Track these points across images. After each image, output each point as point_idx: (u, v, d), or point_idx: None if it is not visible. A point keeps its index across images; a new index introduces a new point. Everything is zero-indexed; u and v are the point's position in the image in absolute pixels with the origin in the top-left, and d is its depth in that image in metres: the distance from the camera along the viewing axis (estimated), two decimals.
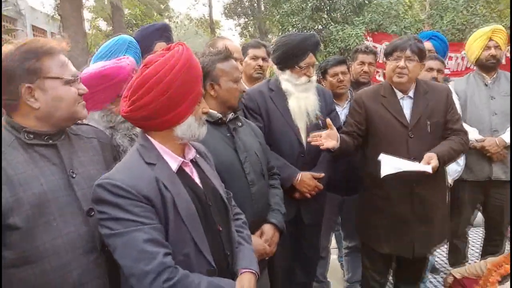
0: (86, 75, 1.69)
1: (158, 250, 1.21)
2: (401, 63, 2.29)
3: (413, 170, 2.13)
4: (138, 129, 1.70)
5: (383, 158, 2.18)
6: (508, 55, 4.88)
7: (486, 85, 3.10)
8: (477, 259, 3.50)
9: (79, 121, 1.52)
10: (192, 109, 1.36)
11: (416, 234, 2.38)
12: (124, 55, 2.31)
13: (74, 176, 1.34)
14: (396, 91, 2.41)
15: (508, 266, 2.51)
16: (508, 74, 3.17)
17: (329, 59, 3.12)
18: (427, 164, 2.14)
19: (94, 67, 1.77)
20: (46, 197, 1.25)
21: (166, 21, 24.12)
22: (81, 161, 1.41)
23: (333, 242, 3.45)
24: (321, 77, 3.14)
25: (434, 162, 2.15)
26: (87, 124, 1.59)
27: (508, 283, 2.44)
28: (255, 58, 2.94)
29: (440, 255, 3.87)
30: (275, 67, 2.50)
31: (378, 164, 2.18)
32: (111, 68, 1.69)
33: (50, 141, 1.34)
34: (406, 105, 2.38)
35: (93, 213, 1.34)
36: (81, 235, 1.31)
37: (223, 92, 1.88)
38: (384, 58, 2.46)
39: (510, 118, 2.94)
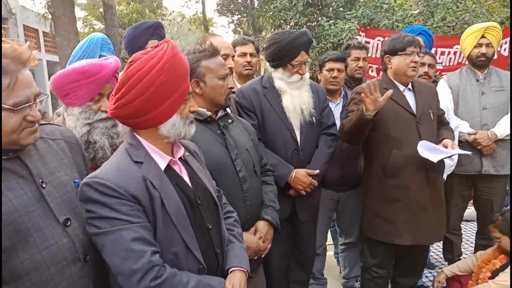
0: (68, 69, 1.66)
1: (146, 249, 1.21)
2: (417, 57, 2.44)
3: (453, 154, 2.35)
4: (119, 128, 1.73)
5: (422, 144, 2.32)
6: (499, 50, 4.89)
7: (478, 80, 3.13)
8: (472, 253, 3.53)
9: (43, 122, 1.40)
10: (176, 107, 1.34)
11: (432, 220, 2.47)
12: (100, 54, 2.30)
13: (44, 186, 1.25)
14: (397, 83, 2.50)
15: (497, 261, 2.58)
16: (499, 70, 3.22)
17: (329, 53, 3.12)
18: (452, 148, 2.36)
19: (78, 63, 1.75)
20: (18, 213, 1.16)
21: (159, 19, 24.02)
22: (50, 167, 1.31)
23: (329, 239, 3.46)
24: (318, 69, 3.14)
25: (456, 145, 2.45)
26: (50, 124, 1.51)
27: (499, 276, 2.49)
28: (242, 55, 2.94)
29: (436, 249, 3.89)
30: (268, 64, 2.50)
31: (391, 154, 2.37)
32: (92, 65, 1.66)
33: (11, 154, 1.22)
34: (408, 96, 2.51)
35: (69, 222, 1.28)
36: (62, 247, 1.23)
37: (208, 89, 1.86)
38: (388, 54, 2.50)
39: (510, 111, 2.98)
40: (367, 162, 2.64)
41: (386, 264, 2.66)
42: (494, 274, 2.55)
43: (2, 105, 1.12)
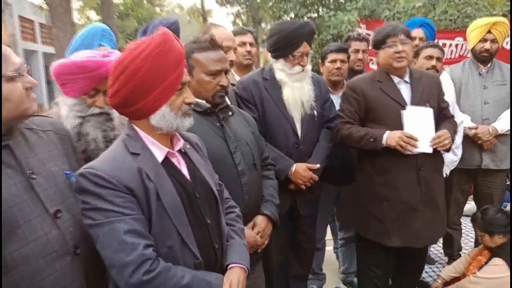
0: (68, 61, 1.65)
1: (139, 242, 1.19)
2: (399, 47, 2.30)
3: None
4: (115, 122, 1.72)
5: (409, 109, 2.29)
6: (505, 45, 4.85)
7: (480, 74, 3.11)
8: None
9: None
10: (165, 98, 1.29)
11: (424, 221, 2.34)
12: (100, 44, 2.27)
13: (34, 177, 1.24)
14: (392, 76, 2.40)
15: (482, 257, 2.66)
16: (502, 64, 3.19)
17: (331, 45, 3.10)
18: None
19: (81, 55, 1.73)
20: (7, 204, 1.15)
21: (157, 9, 23.85)
22: (40, 158, 1.30)
23: (328, 233, 3.44)
24: (320, 62, 3.11)
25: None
26: (40, 115, 1.50)
27: (480, 271, 2.56)
28: (242, 44, 2.90)
29: (436, 245, 3.88)
30: (269, 55, 2.46)
31: (381, 149, 2.26)
32: (92, 61, 1.65)
33: (2, 142, 1.21)
34: (404, 89, 2.40)
35: (60, 214, 1.26)
36: (51, 239, 1.22)
37: (194, 83, 1.80)
38: (373, 48, 2.43)
39: (510, 106, 2.96)
40: (359, 157, 2.57)
41: (384, 263, 2.54)
42: (480, 270, 2.59)
43: (4, 74, 1.17)
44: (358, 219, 2.51)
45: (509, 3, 7.12)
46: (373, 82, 2.40)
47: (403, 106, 2.32)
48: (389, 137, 2.23)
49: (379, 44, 2.35)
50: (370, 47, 2.55)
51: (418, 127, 2.25)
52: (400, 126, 2.28)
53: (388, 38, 2.30)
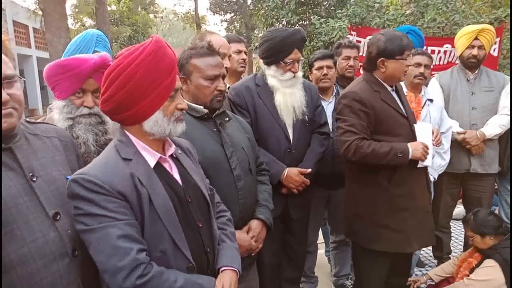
0: (52, 63, 1.68)
1: (132, 246, 1.19)
2: (411, 61, 2.30)
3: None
4: (108, 126, 1.73)
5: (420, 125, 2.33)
6: (492, 52, 4.93)
7: (468, 80, 3.18)
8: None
9: (37, 120, 1.45)
10: (159, 103, 1.30)
11: (431, 219, 2.42)
12: (94, 50, 2.30)
13: (34, 179, 1.25)
14: (385, 84, 2.35)
15: (473, 260, 2.68)
16: (490, 70, 3.27)
17: (316, 53, 3.15)
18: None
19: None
20: (6, 205, 1.15)
21: (151, 16, 23.87)
22: (42, 163, 1.31)
23: (320, 237, 3.47)
24: (308, 70, 3.16)
25: None
26: (45, 123, 1.53)
27: (473, 273, 2.58)
28: (238, 52, 2.94)
29: (425, 248, 3.92)
30: (261, 61, 2.50)
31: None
32: (71, 59, 1.67)
33: (3, 145, 1.21)
34: (395, 97, 2.39)
35: (59, 217, 1.26)
36: (49, 241, 1.22)
37: (192, 88, 1.85)
38: (383, 57, 2.26)
39: (510, 110, 3.02)
40: (365, 171, 2.33)
41: (384, 269, 2.47)
42: (472, 272, 2.63)
43: None
44: (366, 233, 2.36)
45: (495, 11, 7.26)
46: (372, 92, 2.31)
47: (402, 114, 2.31)
48: (413, 150, 2.19)
49: (394, 55, 2.24)
50: (372, 53, 2.36)
51: (425, 142, 2.29)
52: (411, 136, 2.29)
53: (406, 51, 2.24)
